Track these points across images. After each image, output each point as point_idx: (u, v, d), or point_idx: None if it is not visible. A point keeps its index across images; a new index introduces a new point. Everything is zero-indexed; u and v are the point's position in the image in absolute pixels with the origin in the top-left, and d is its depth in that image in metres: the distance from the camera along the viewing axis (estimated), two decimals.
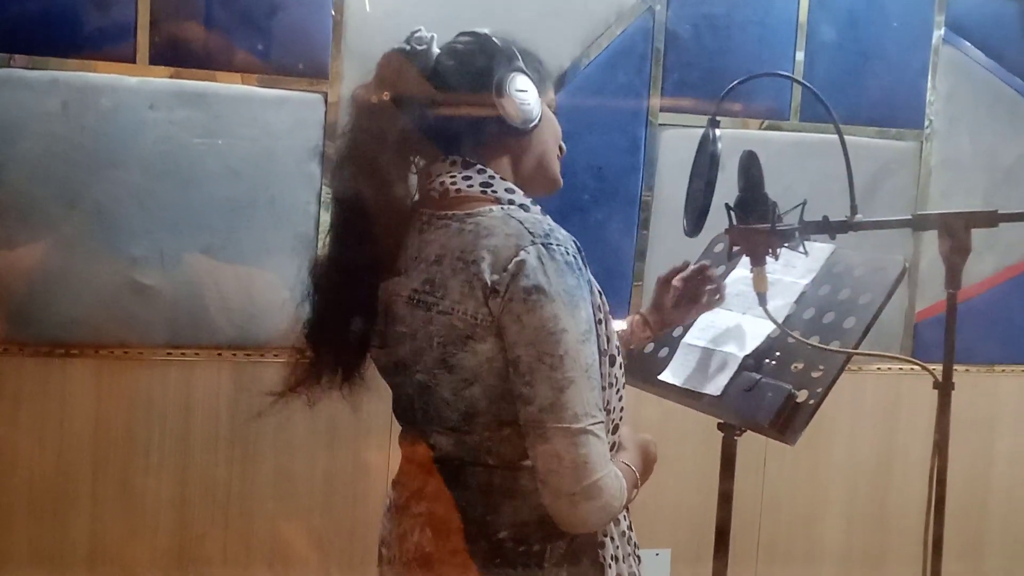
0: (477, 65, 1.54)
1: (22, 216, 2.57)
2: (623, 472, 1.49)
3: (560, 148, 1.65)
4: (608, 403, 1.53)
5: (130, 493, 2.69)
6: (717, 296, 2.05)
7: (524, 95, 1.53)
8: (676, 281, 2.02)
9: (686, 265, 2.04)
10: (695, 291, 2.03)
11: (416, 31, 1.56)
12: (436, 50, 1.56)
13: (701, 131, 1.83)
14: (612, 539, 1.58)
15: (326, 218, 2.74)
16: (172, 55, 2.63)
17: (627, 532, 1.63)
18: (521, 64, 1.55)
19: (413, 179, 1.60)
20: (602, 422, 1.42)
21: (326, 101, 2.74)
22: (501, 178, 1.54)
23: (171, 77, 2.63)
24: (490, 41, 1.56)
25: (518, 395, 1.42)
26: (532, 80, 1.55)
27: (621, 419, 1.60)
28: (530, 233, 1.43)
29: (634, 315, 2.05)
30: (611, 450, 1.58)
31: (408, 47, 1.55)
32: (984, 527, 3.36)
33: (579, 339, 1.41)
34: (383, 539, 1.67)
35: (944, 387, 1.77)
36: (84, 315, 2.63)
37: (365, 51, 2.73)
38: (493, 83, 1.52)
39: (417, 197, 1.59)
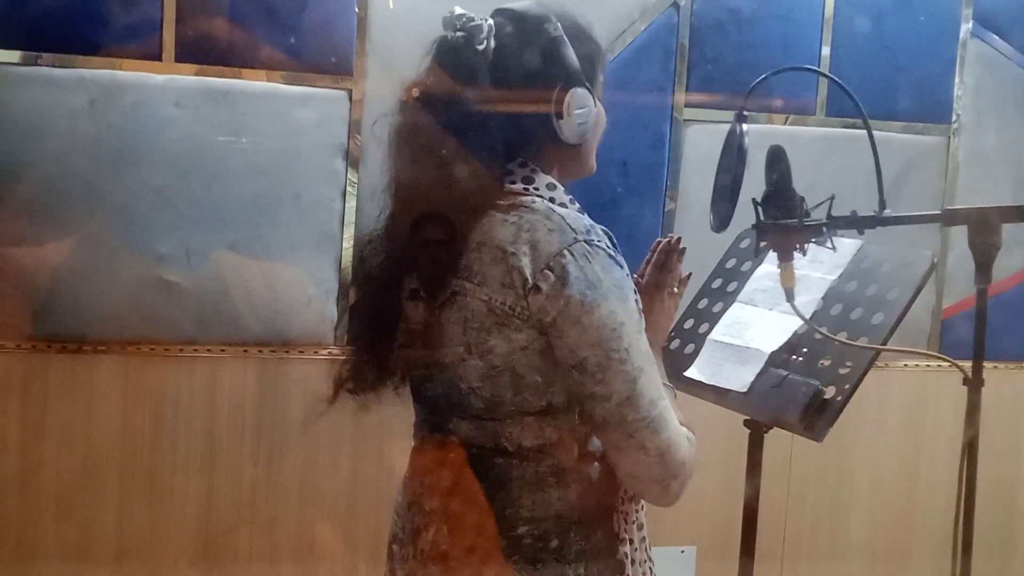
0: (536, 74, 1.49)
1: (49, 213, 2.59)
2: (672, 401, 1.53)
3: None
4: None
5: (156, 489, 2.71)
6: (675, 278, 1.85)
7: (583, 112, 1.50)
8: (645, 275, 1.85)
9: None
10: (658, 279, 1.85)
11: (475, 22, 1.49)
12: (493, 43, 1.49)
13: (726, 127, 1.82)
14: (631, 541, 1.57)
15: (351, 215, 2.75)
16: (198, 53, 2.64)
17: (646, 539, 1.63)
18: (579, 69, 1.50)
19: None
20: (664, 398, 1.47)
21: (351, 98, 2.74)
22: (543, 172, 1.53)
23: (196, 75, 2.65)
24: (547, 39, 1.50)
25: (589, 395, 1.43)
26: (590, 89, 1.51)
27: None
28: (572, 229, 1.43)
29: None
30: None
31: (464, 36, 1.48)
32: (1011, 524, 3.33)
33: (636, 328, 1.45)
34: (395, 536, 1.67)
35: (974, 384, 1.75)
36: (110, 312, 2.65)
37: (389, 48, 2.74)
38: (552, 101, 1.48)
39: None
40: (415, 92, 1.51)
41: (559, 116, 1.49)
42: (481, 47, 1.48)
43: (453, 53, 1.49)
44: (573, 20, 1.56)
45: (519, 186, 1.51)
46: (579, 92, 1.50)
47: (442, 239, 1.51)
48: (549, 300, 1.41)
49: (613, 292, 1.42)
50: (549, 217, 1.45)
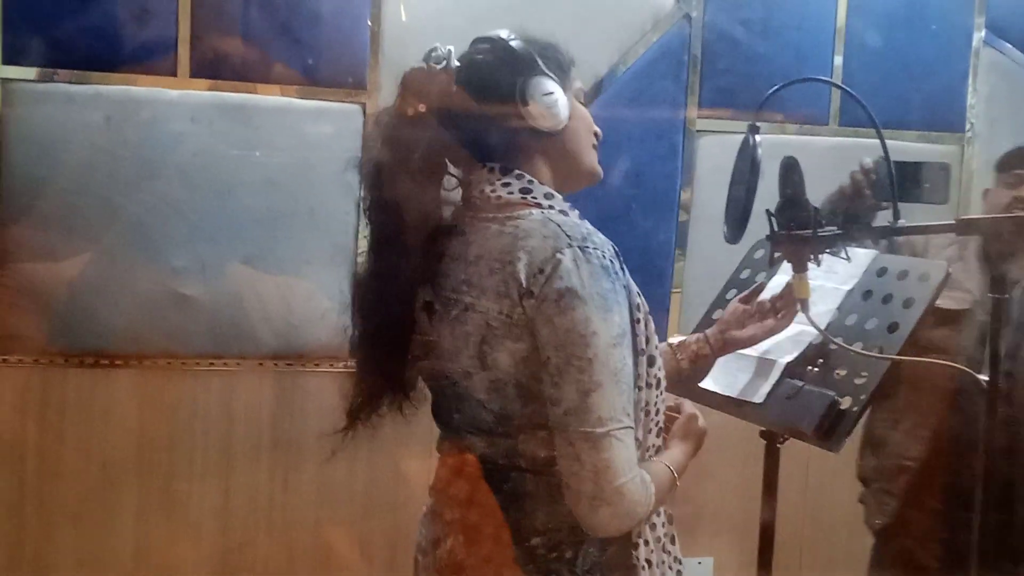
0: (498, 75, 1.53)
1: (66, 228, 2.61)
2: (656, 473, 1.49)
3: (596, 135, 1.64)
4: (650, 404, 1.53)
5: (173, 501, 2.72)
6: (783, 319, 1.94)
7: (550, 98, 1.52)
8: (751, 305, 1.96)
9: (762, 287, 2.01)
10: (765, 314, 1.96)
11: (433, 49, 1.55)
12: (455, 63, 1.55)
13: (739, 137, 1.82)
14: (647, 543, 1.57)
15: (365, 228, 2.75)
16: (212, 68, 2.66)
17: (662, 539, 1.62)
18: (542, 66, 1.53)
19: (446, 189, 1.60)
20: (628, 427, 1.42)
21: (364, 112, 2.76)
22: (540, 183, 1.55)
23: (211, 90, 2.66)
24: (506, 47, 1.54)
25: (547, 397, 1.42)
26: (556, 79, 1.54)
27: (661, 422, 1.59)
28: (567, 236, 1.44)
29: (696, 335, 1.97)
30: (657, 452, 1.57)
31: (426, 65, 1.55)
32: None
33: (610, 343, 1.40)
34: (419, 545, 1.68)
35: (991, 392, 1.75)
36: (127, 326, 2.67)
37: (402, 62, 2.73)
38: (517, 92, 1.51)
39: (460, 202, 1.59)
40: (389, 119, 1.55)
41: (524, 103, 1.51)
42: (439, 66, 1.53)
43: (417, 80, 1.54)
44: (539, 38, 1.59)
45: (517, 196, 1.52)
46: (542, 79, 1.53)
47: (445, 251, 1.54)
48: (536, 301, 1.41)
49: (594, 300, 1.40)
50: (545, 225, 1.46)
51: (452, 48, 1.55)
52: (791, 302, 1.91)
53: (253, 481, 2.76)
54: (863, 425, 2.67)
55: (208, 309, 2.70)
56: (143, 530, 2.71)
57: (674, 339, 1.94)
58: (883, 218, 1.81)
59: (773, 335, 1.97)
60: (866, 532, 3.17)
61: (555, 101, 1.53)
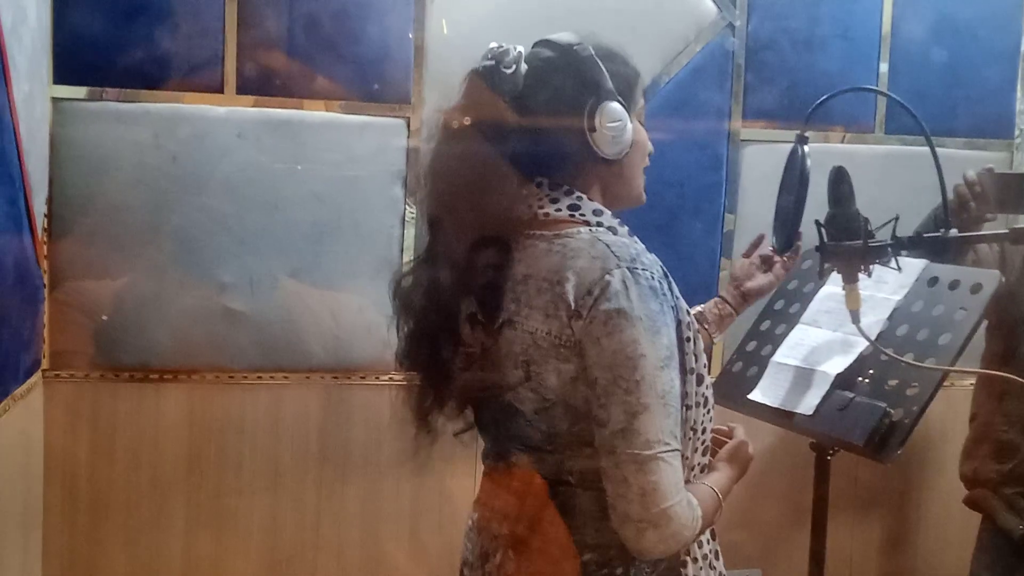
0: (566, 91, 1.49)
1: (115, 244, 2.64)
2: (703, 496, 1.48)
3: (648, 154, 1.62)
4: (698, 422, 1.52)
5: (222, 514, 2.74)
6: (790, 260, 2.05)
7: (617, 126, 1.50)
8: (755, 257, 2.05)
9: (761, 238, 2.06)
10: (770, 263, 2.05)
11: (503, 48, 1.50)
12: (524, 67, 1.50)
13: (784, 146, 1.81)
14: (695, 560, 1.56)
15: (410, 241, 2.77)
16: (258, 85, 2.68)
17: (708, 555, 1.61)
18: (611, 87, 1.50)
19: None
20: (676, 450, 1.40)
21: (408, 126, 2.77)
22: (588, 199, 1.52)
23: (257, 106, 2.69)
24: (578, 60, 1.51)
25: (593, 417, 1.41)
26: (623, 104, 1.52)
27: (708, 440, 1.58)
28: (616, 257, 1.42)
29: (713, 299, 2.03)
30: (702, 471, 1.56)
31: (493, 63, 1.50)
32: None
33: (658, 365, 1.39)
34: (465, 560, 1.67)
35: None
36: (176, 340, 2.69)
37: (446, 75, 2.76)
38: (584, 115, 1.48)
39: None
40: (451, 122, 1.51)
41: (592, 129, 1.49)
42: (510, 70, 1.49)
43: (484, 80, 1.50)
44: (608, 47, 1.56)
45: (565, 213, 1.50)
46: (612, 106, 1.50)
47: (491, 264, 1.51)
48: (584, 322, 1.40)
49: (642, 322, 1.39)
50: (594, 245, 1.45)
51: (521, 50, 1.51)
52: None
53: (301, 494, 2.77)
54: (978, 429, 2.63)
55: (256, 323, 2.72)
56: (192, 543, 2.73)
57: (692, 310, 1.95)
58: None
59: (783, 279, 2.06)
60: (915, 543, 3.14)
61: (622, 129, 1.51)
